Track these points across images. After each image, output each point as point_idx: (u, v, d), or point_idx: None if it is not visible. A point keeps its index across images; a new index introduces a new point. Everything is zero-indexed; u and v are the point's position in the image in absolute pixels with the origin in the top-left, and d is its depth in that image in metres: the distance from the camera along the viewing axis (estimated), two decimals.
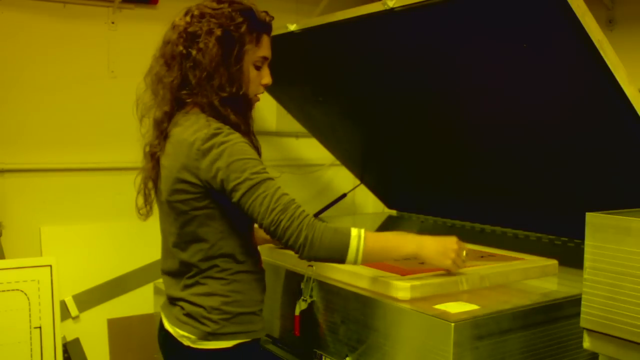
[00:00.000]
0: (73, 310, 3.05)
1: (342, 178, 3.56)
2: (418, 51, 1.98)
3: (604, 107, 1.68)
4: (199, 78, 1.55)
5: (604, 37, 1.50)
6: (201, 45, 1.54)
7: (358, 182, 3.21)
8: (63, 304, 2.99)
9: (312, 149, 3.49)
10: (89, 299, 3.10)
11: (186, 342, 1.58)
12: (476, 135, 2.19)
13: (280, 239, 1.49)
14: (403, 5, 1.77)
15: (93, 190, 3.09)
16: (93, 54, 3.07)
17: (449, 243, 1.63)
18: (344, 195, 3.31)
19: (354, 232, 1.51)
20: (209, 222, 1.55)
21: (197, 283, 1.59)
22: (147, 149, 1.65)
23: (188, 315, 1.59)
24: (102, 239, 3.11)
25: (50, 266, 2.84)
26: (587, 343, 1.30)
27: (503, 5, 1.62)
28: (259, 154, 1.59)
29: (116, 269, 3.15)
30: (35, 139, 2.97)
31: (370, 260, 1.56)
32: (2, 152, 2.90)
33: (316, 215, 3.12)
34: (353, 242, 1.50)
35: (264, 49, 1.62)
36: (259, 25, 1.60)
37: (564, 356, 1.58)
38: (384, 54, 2.11)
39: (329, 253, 1.50)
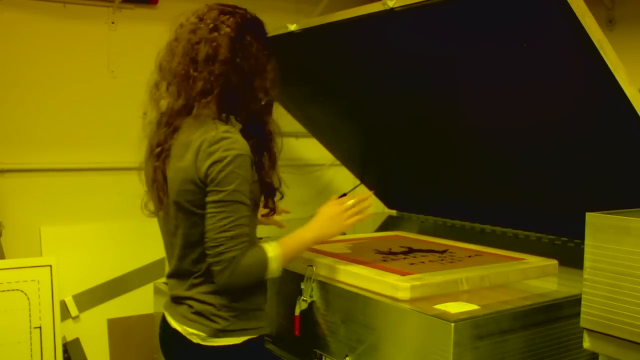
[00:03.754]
0: (73, 310, 3.05)
1: (342, 178, 3.56)
2: (418, 51, 1.98)
3: (604, 107, 1.68)
4: (234, 84, 1.60)
5: (604, 37, 1.50)
6: (246, 53, 1.60)
7: (358, 182, 3.21)
8: (63, 304, 2.99)
9: (312, 149, 3.48)
10: (89, 299, 3.10)
11: (195, 340, 1.59)
12: (476, 135, 2.19)
13: (209, 256, 1.53)
14: (403, 5, 1.77)
15: (93, 190, 3.09)
16: (93, 54, 3.07)
17: (330, 209, 1.76)
18: (344, 195, 3.30)
19: (270, 254, 1.58)
20: None
21: (204, 282, 1.61)
22: (157, 149, 1.63)
23: (197, 313, 1.60)
24: (102, 239, 3.11)
25: (50, 266, 2.84)
26: (587, 343, 1.30)
27: (503, 5, 1.62)
28: (277, 157, 1.68)
29: (116, 269, 3.15)
30: (35, 139, 2.97)
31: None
32: (2, 152, 2.90)
33: None
34: (272, 266, 1.58)
35: None
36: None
37: (564, 356, 1.58)
38: (384, 54, 2.11)
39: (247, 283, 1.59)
